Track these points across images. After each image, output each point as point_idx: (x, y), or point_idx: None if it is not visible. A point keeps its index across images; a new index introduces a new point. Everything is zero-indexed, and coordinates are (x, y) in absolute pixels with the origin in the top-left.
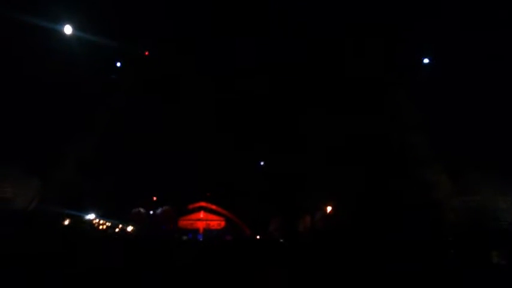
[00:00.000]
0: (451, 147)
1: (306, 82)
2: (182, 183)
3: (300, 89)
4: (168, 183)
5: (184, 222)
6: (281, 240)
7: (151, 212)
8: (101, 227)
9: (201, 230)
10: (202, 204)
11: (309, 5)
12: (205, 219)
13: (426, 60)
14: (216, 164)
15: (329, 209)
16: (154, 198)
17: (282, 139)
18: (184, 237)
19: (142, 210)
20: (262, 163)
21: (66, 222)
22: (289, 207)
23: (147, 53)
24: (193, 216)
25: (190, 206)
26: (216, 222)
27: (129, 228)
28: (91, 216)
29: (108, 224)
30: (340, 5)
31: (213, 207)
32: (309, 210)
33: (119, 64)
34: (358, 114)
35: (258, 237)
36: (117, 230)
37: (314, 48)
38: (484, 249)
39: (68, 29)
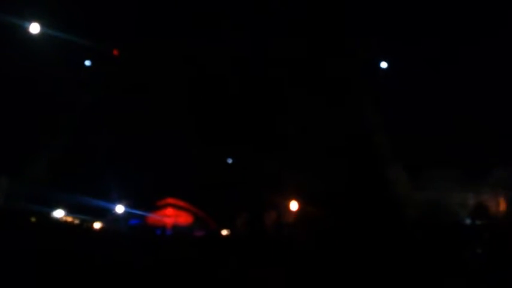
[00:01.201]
0: (411, 146)
1: (274, 80)
2: (148, 179)
3: (268, 87)
4: (133, 179)
5: (153, 218)
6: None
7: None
8: (68, 223)
9: (170, 227)
10: (170, 201)
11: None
12: (173, 216)
13: (384, 64)
14: (183, 159)
15: (295, 204)
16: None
17: (252, 135)
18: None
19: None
20: (229, 159)
21: (33, 219)
22: (256, 203)
23: (116, 52)
24: (161, 212)
25: (158, 203)
26: (184, 219)
27: (97, 225)
28: (59, 212)
29: (77, 221)
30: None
31: (181, 203)
32: (274, 206)
33: (87, 63)
34: (322, 113)
35: (224, 232)
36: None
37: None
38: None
39: (34, 28)
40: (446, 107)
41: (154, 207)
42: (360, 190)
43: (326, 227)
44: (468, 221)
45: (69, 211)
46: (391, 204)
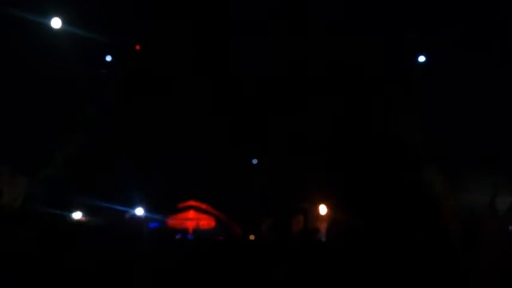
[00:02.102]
0: (448, 147)
1: (303, 81)
2: (169, 180)
3: (297, 86)
4: (154, 180)
5: (173, 221)
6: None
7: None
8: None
9: (191, 230)
10: (192, 203)
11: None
12: (195, 219)
13: (422, 58)
14: (207, 160)
15: (323, 209)
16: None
17: (277, 137)
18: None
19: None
20: (255, 161)
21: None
22: (282, 206)
23: (138, 47)
24: (183, 215)
25: (180, 205)
26: (206, 222)
27: (115, 228)
28: (77, 214)
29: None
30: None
31: (203, 206)
32: (302, 210)
33: (109, 58)
34: (353, 113)
35: (252, 237)
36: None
37: (308, 48)
38: None
39: (56, 23)
40: (487, 107)
41: (175, 210)
42: (393, 194)
43: (357, 232)
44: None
45: (88, 213)
46: (427, 209)
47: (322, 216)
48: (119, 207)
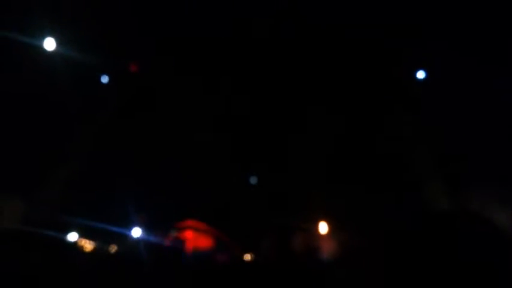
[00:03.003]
0: (452, 159)
1: (303, 94)
2: (166, 200)
3: (294, 101)
4: (150, 200)
5: (171, 242)
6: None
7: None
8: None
9: (189, 251)
10: (190, 223)
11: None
12: (193, 239)
13: (421, 75)
14: (204, 179)
15: (324, 226)
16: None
17: (277, 153)
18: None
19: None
20: (253, 179)
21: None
22: (282, 225)
23: (134, 68)
24: (180, 236)
25: (177, 225)
26: (204, 242)
27: (112, 250)
28: (73, 236)
29: (91, 245)
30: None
31: (201, 226)
32: (302, 228)
33: (104, 80)
34: (355, 128)
35: (248, 257)
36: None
37: (309, 59)
38: None
39: (50, 44)
40: (492, 118)
41: (174, 227)
42: (396, 208)
43: (361, 249)
44: None
45: (83, 234)
46: (431, 221)
47: (322, 235)
48: (116, 228)
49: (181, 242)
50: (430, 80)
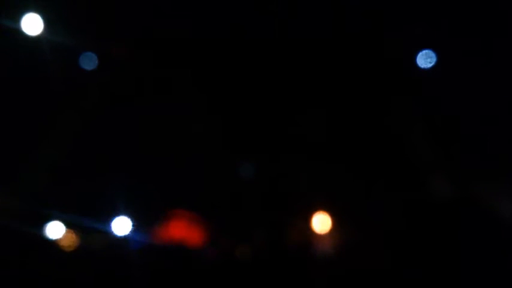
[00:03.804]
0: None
1: (301, 81)
2: (154, 190)
3: (291, 87)
4: (138, 190)
5: (159, 234)
6: None
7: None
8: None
9: (177, 244)
10: (180, 216)
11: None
12: (183, 233)
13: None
14: (194, 167)
15: (323, 218)
16: None
17: (274, 137)
18: None
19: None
20: (247, 166)
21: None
22: (277, 215)
23: (123, 52)
24: (169, 227)
25: (167, 218)
26: (194, 234)
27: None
28: (55, 225)
29: (74, 237)
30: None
31: (190, 217)
32: (299, 219)
33: (91, 65)
34: (356, 116)
35: (242, 250)
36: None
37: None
38: None
39: (35, 28)
40: (502, 109)
41: (161, 221)
42: (398, 199)
43: (360, 242)
44: None
45: (67, 225)
46: (434, 215)
47: (320, 228)
48: (100, 219)
49: (170, 236)
50: (436, 68)
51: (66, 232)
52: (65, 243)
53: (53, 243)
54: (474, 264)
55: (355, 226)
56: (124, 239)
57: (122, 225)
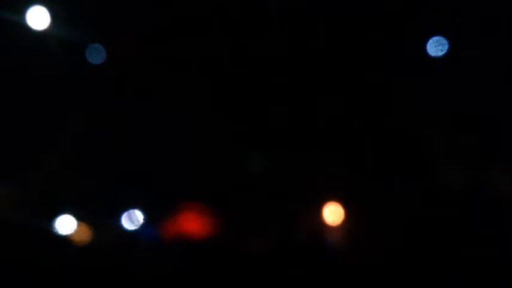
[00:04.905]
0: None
1: (308, 76)
2: (164, 182)
3: (299, 81)
4: (147, 182)
5: (169, 227)
6: None
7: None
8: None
9: (189, 236)
10: (189, 208)
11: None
12: (192, 226)
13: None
14: (204, 159)
15: (336, 209)
16: None
17: (284, 128)
18: None
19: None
20: (257, 160)
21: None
22: (289, 207)
23: (130, 48)
24: (179, 219)
25: (176, 210)
26: (205, 226)
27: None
28: (65, 219)
29: (84, 230)
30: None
31: (202, 209)
32: (311, 211)
33: (97, 61)
34: (369, 107)
35: (254, 242)
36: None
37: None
38: None
39: (41, 23)
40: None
41: (171, 214)
42: (413, 191)
43: (373, 233)
44: None
45: (77, 218)
46: (446, 207)
47: (332, 220)
48: (110, 212)
49: (181, 229)
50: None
51: (78, 226)
52: (76, 238)
53: (65, 238)
54: (490, 256)
55: (368, 218)
56: (135, 232)
57: (133, 219)
